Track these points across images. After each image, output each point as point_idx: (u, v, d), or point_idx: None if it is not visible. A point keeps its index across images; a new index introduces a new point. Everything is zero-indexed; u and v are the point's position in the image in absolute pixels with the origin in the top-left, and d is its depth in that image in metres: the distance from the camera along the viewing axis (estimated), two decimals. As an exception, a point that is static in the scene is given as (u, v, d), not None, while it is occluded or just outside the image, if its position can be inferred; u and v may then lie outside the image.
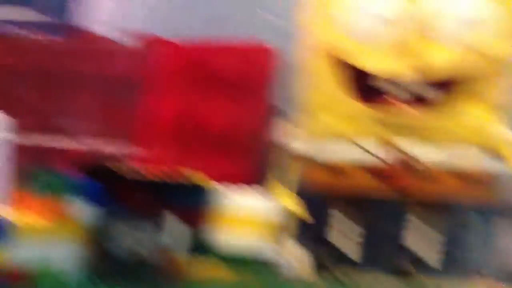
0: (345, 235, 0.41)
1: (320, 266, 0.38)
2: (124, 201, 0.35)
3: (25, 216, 0.29)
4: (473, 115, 0.41)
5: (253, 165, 0.42)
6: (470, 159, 0.41)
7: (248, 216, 0.34)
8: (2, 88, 0.43)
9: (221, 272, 0.32)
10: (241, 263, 0.33)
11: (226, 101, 0.43)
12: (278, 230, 0.35)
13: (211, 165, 0.42)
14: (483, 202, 0.40)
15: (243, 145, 0.42)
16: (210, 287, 0.32)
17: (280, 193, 0.40)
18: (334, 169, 0.41)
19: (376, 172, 0.41)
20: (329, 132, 0.43)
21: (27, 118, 0.40)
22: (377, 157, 0.40)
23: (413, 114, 0.42)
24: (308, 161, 0.41)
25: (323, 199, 0.39)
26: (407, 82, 0.42)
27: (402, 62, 0.42)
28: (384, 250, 0.40)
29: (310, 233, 0.39)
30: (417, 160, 0.40)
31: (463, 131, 0.41)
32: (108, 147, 0.42)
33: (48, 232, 0.30)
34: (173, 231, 0.32)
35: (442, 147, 0.41)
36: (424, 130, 0.41)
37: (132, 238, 0.32)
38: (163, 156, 0.42)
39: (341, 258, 0.40)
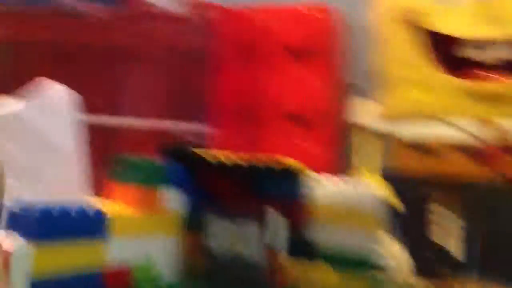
0: (445, 229, 0.37)
1: (420, 265, 0.35)
2: (214, 191, 0.32)
3: (117, 208, 0.26)
4: None
5: (331, 148, 0.39)
6: None
7: (343, 208, 0.30)
8: (60, 65, 0.40)
9: (323, 274, 0.28)
10: (343, 263, 0.29)
11: (292, 73, 0.40)
12: (375, 224, 0.31)
13: (287, 148, 0.39)
14: None
15: (319, 124, 0.39)
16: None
17: (369, 180, 0.37)
18: (425, 151, 0.38)
19: (471, 152, 0.37)
20: (413, 109, 0.39)
21: (90, 98, 0.37)
22: (471, 135, 0.37)
23: (506, 83, 0.38)
24: (395, 143, 0.38)
25: (415, 186, 0.36)
26: (496, 46, 0.39)
27: (489, 24, 0.39)
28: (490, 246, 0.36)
29: (405, 227, 0.36)
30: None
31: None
32: (177, 128, 0.39)
33: (143, 225, 0.27)
34: (273, 227, 0.29)
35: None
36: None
37: (231, 234, 0.29)
38: (233, 136, 0.39)
39: (442, 255, 0.36)
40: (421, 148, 0.37)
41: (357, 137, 0.39)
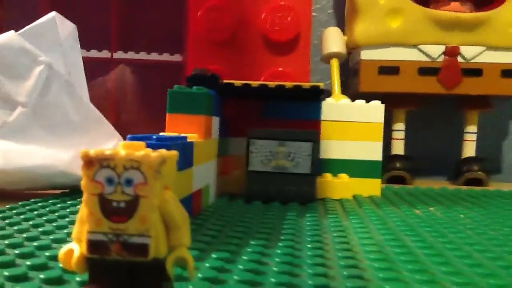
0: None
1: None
2: (234, 116, 0.36)
3: (190, 137, 0.29)
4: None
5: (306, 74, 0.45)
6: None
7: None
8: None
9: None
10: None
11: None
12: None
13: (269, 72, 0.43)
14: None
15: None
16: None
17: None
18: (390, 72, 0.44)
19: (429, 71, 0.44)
20: (381, 35, 0.44)
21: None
22: (430, 56, 0.44)
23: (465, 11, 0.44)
24: (365, 66, 0.43)
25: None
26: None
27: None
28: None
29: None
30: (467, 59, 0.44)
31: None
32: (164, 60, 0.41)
33: (206, 151, 0.31)
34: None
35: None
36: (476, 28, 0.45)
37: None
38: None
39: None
40: (387, 69, 0.44)
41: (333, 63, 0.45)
